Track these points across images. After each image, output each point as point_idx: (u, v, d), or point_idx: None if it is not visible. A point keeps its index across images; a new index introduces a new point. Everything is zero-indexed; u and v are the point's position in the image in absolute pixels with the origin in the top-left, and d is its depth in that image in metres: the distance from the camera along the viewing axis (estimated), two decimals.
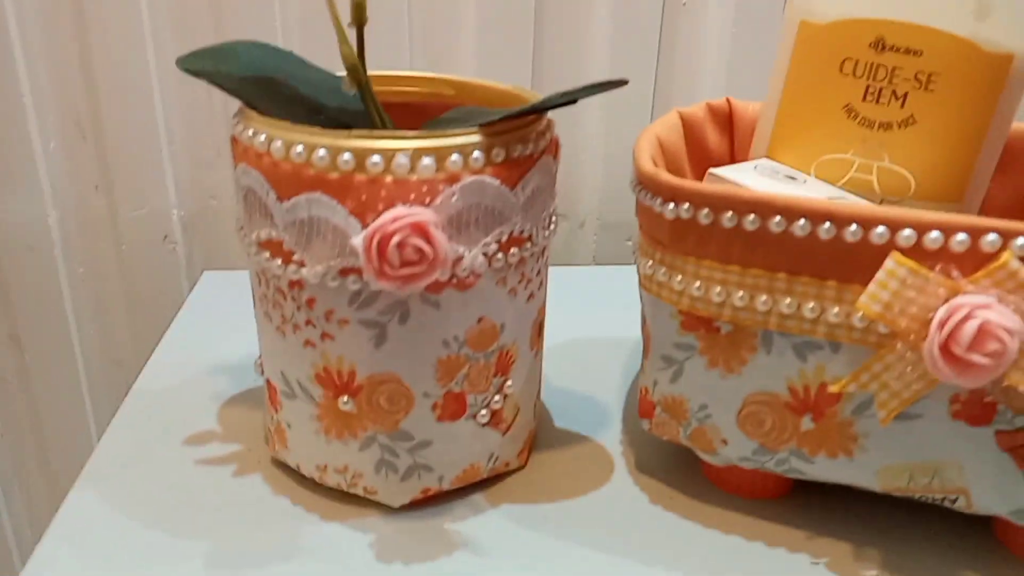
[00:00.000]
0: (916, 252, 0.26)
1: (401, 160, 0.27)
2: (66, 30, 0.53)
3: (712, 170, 0.33)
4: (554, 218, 0.33)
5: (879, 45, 0.31)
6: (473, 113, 0.32)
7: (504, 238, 0.29)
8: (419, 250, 0.26)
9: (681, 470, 0.36)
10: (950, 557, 0.31)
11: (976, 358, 0.25)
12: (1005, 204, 0.37)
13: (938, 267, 0.26)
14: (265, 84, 0.32)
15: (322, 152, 0.27)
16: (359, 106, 0.32)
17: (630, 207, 0.63)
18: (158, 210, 0.58)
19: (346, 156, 0.27)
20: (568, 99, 0.29)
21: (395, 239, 0.26)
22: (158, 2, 0.53)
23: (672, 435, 0.33)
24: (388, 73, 0.37)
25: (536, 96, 0.34)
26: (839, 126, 0.33)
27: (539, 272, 0.33)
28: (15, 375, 0.62)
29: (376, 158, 0.27)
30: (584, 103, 0.57)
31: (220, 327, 0.46)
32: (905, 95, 0.31)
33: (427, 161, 0.27)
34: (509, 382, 0.33)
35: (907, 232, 0.26)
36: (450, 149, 0.27)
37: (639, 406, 0.35)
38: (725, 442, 0.32)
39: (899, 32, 0.31)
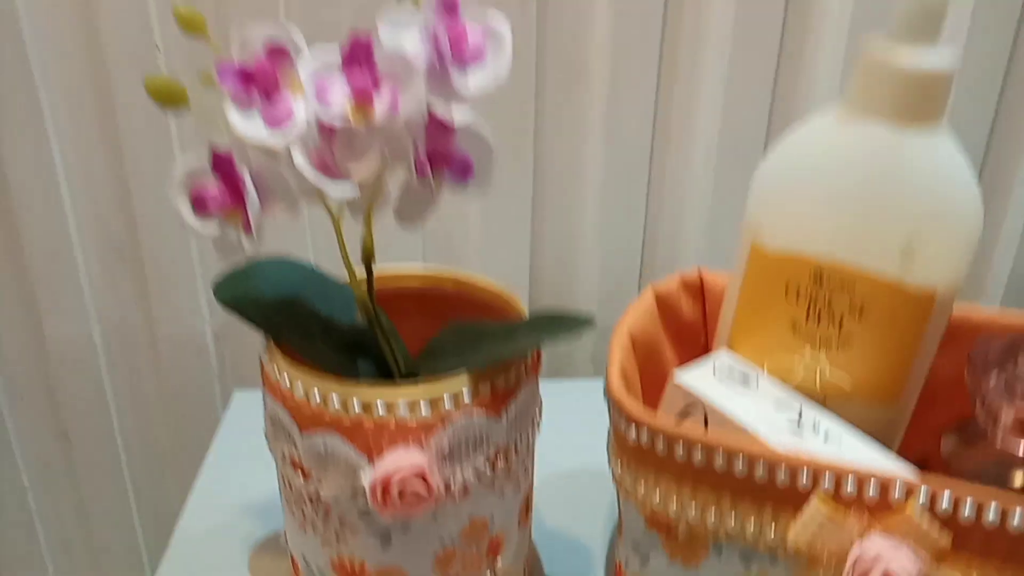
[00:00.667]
0: (836, 496, 0.31)
1: (401, 408, 0.32)
2: (105, 167, 0.58)
3: (676, 375, 0.38)
4: (539, 416, 0.38)
5: (818, 279, 0.36)
6: (467, 335, 0.37)
7: (491, 455, 0.34)
8: (417, 492, 0.31)
9: None
10: None
11: None
12: (949, 376, 0.41)
13: (852, 510, 0.30)
14: (288, 307, 0.37)
15: (335, 400, 0.32)
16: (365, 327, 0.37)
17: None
18: (191, 325, 0.64)
19: (356, 404, 0.32)
20: (536, 342, 0.34)
21: (396, 484, 0.31)
22: (190, 143, 0.58)
23: None
24: (397, 271, 0.42)
25: (522, 308, 0.39)
26: (786, 336, 0.37)
27: (525, 466, 0.38)
28: (63, 465, 0.68)
29: (381, 406, 0.32)
30: (582, 210, 0.62)
31: (251, 459, 0.52)
32: (841, 321, 0.36)
33: (423, 407, 0.32)
34: (499, 561, 0.38)
35: (826, 476, 0.31)
36: (441, 396, 0.32)
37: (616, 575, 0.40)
38: None
39: (834, 271, 0.35)
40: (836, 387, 0.37)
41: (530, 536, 0.42)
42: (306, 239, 0.60)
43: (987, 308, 0.41)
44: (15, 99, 0.55)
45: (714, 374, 0.38)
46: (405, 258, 0.50)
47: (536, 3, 0.55)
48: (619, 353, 0.38)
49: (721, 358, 0.40)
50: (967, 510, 0.29)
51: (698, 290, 0.46)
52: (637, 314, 0.42)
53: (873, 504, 0.30)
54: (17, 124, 0.55)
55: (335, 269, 0.38)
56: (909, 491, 0.30)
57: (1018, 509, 0.29)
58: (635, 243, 0.64)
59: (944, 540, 0.30)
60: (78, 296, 0.61)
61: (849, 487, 0.30)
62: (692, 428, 0.33)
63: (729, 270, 0.41)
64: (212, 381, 0.65)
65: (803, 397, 0.37)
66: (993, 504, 0.29)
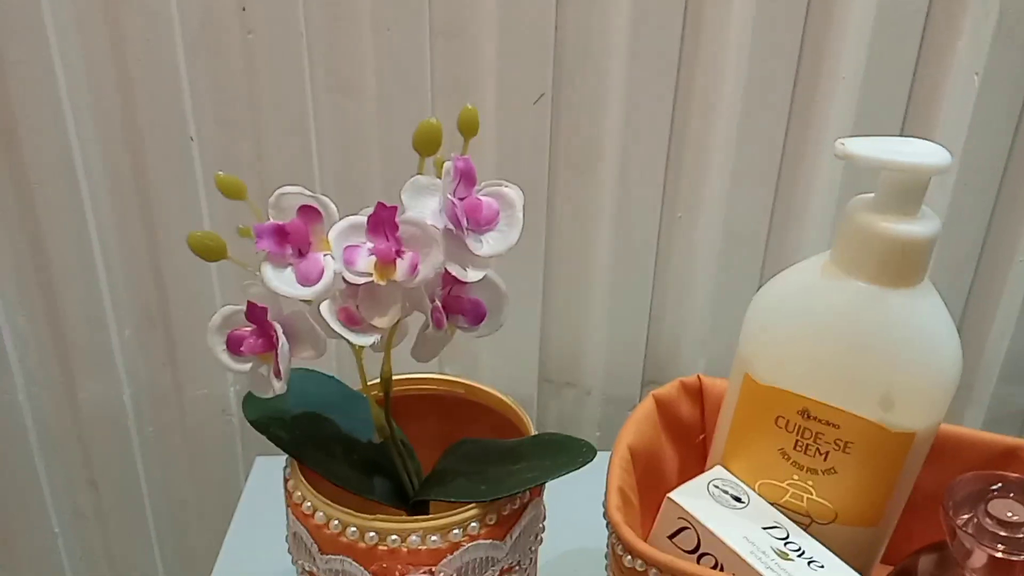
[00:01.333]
0: None
1: (414, 539, 0.35)
2: (138, 242, 0.62)
3: (671, 495, 0.40)
4: (543, 530, 0.41)
5: (805, 414, 0.38)
6: (474, 456, 0.40)
7: (497, 574, 0.37)
8: None
9: None
10: None
11: None
12: (931, 489, 0.44)
13: None
14: (311, 425, 0.40)
15: (353, 530, 0.35)
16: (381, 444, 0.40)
17: (635, 381, 0.70)
18: (217, 388, 0.67)
19: (371, 535, 0.35)
20: (545, 478, 0.37)
21: None
22: (217, 212, 0.60)
23: None
24: (413, 376, 0.45)
25: (528, 423, 0.41)
26: (775, 461, 0.40)
27: (528, 573, 0.41)
28: (94, 514, 0.72)
29: (395, 537, 0.35)
30: (590, 283, 0.65)
31: (270, 528, 0.55)
32: (827, 453, 0.38)
33: (434, 538, 0.35)
34: None
35: None
36: (452, 526, 0.35)
37: None
38: None
39: (820, 409, 0.38)
40: (822, 508, 0.40)
41: None
42: (330, 351, 0.63)
43: (968, 430, 0.44)
44: (57, 183, 0.58)
45: (709, 494, 0.41)
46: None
47: (551, 98, 0.57)
48: (618, 472, 0.41)
49: (715, 476, 0.42)
50: None
51: (697, 393, 0.48)
52: (637, 424, 0.44)
53: None
54: (58, 204, 0.59)
55: (356, 378, 0.41)
56: None
57: None
58: (640, 338, 0.66)
59: None
60: (110, 359, 0.65)
61: None
62: (684, 562, 0.36)
63: (727, 375, 0.44)
64: (235, 441, 0.69)
65: (790, 518, 0.40)
66: None
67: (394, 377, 0.40)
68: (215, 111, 0.57)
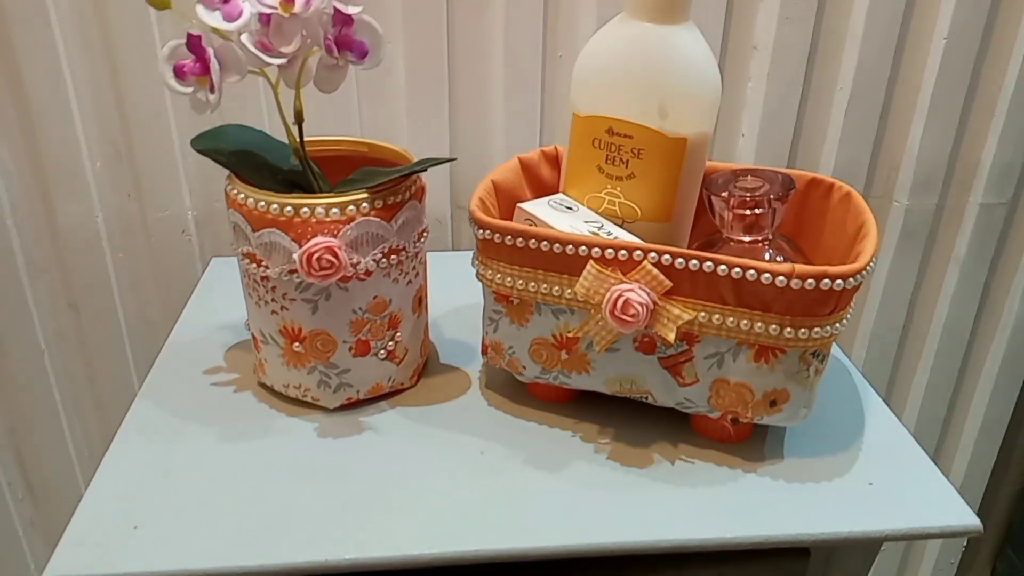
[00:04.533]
0: (602, 260, 0.47)
1: (320, 210, 0.48)
2: (106, 82, 0.73)
3: (520, 204, 0.54)
4: (425, 234, 0.54)
5: (610, 132, 0.52)
6: (371, 173, 0.53)
7: (385, 250, 0.51)
8: (330, 261, 0.48)
9: (511, 385, 0.58)
10: (656, 433, 0.53)
11: (625, 318, 0.46)
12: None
13: (612, 268, 0.47)
14: (245, 155, 0.53)
15: (275, 206, 0.48)
16: (300, 169, 0.52)
17: None
18: (177, 212, 0.79)
19: (289, 208, 0.48)
20: (413, 170, 0.50)
21: (316, 255, 0.47)
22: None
23: (498, 364, 0.55)
24: (325, 137, 0.58)
25: (412, 159, 0.54)
26: (596, 177, 0.54)
27: (414, 267, 0.54)
28: (73, 332, 0.84)
29: (306, 209, 0.48)
30: (490, 90, 0.78)
31: (224, 299, 0.68)
32: (627, 161, 0.52)
33: (335, 211, 0.48)
34: (398, 333, 0.54)
35: (596, 250, 0.47)
36: (348, 203, 0.48)
37: (481, 347, 0.56)
38: (524, 367, 0.53)
39: (619, 124, 0.51)
40: (629, 209, 0.53)
41: (426, 328, 0.58)
42: (263, 115, 0.75)
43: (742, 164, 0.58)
44: (32, 28, 0.69)
45: (548, 204, 0.55)
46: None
47: None
48: (480, 190, 0.54)
49: (554, 197, 0.56)
50: (679, 262, 0.46)
51: (555, 160, 0.62)
52: (502, 171, 0.58)
53: (624, 262, 0.47)
54: (34, 48, 0.70)
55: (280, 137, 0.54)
56: (644, 253, 0.46)
57: (706, 261, 0.45)
58: (535, 114, 0.79)
59: (666, 283, 0.46)
60: (84, 188, 0.76)
61: (608, 253, 0.47)
62: (518, 224, 0.50)
63: None
64: (194, 256, 0.81)
65: (607, 219, 0.54)
66: (693, 260, 0.46)
67: (310, 138, 0.52)
68: None
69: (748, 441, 0.53)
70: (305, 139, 0.52)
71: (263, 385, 0.57)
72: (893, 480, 0.50)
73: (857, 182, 0.84)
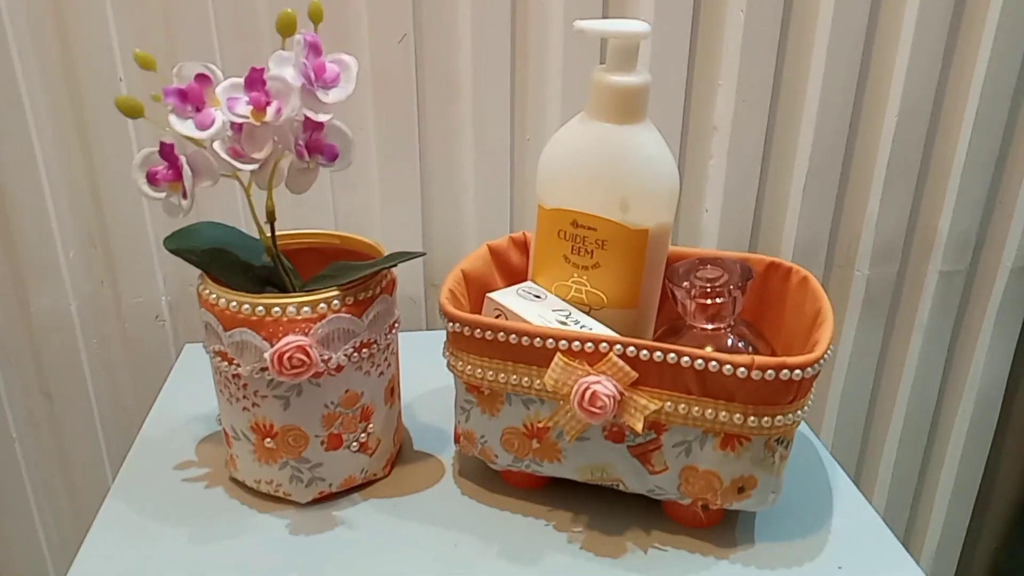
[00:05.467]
0: (569, 352, 0.48)
1: (291, 309, 0.49)
2: (80, 172, 0.74)
3: (489, 295, 0.55)
4: (396, 325, 0.55)
5: (575, 224, 0.53)
6: (343, 268, 0.54)
7: (357, 345, 0.51)
8: (301, 360, 0.48)
9: (485, 472, 0.58)
10: (629, 520, 0.53)
11: (593, 409, 0.47)
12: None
13: (579, 360, 0.48)
14: (218, 253, 0.54)
15: (246, 306, 0.49)
16: (272, 266, 0.53)
17: None
18: (151, 298, 0.79)
19: (260, 308, 0.49)
20: (384, 266, 0.51)
21: (287, 354, 0.48)
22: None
23: (471, 452, 0.55)
24: (298, 231, 0.59)
25: (383, 251, 0.56)
26: (562, 266, 0.55)
27: (386, 359, 0.55)
28: (46, 421, 0.83)
29: (277, 308, 0.49)
30: (461, 184, 0.79)
31: (197, 388, 0.68)
32: (592, 251, 0.54)
33: (306, 309, 0.49)
34: (371, 425, 0.55)
35: (563, 343, 0.48)
36: (319, 301, 0.49)
37: (454, 435, 0.56)
38: (497, 456, 0.54)
39: (583, 218, 0.53)
40: (595, 297, 0.55)
41: (399, 416, 0.59)
42: (238, 211, 0.76)
43: (705, 249, 0.60)
44: (9, 120, 0.70)
45: (517, 294, 0.56)
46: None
47: (414, 39, 0.73)
48: (450, 281, 0.55)
49: (523, 285, 0.57)
50: (644, 354, 0.47)
51: (523, 246, 0.63)
52: (471, 260, 0.59)
53: (590, 354, 0.48)
54: (9, 138, 0.71)
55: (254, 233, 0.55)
56: (610, 345, 0.47)
57: (670, 353, 0.46)
58: (505, 196, 0.81)
59: (632, 374, 0.47)
60: (57, 275, 0.77)
61: (575, 345, 0.48)
62: (488, 318, 0.51)
63: None
64: (168, 342, 0.81)
65: (575, 307, 0.55)
66: (657, 352, 0.47)
67: (283, 232, 0.54)
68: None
69: (720, 526, 0.53)
70: (278, 234, 0.53)
71: (235, 480, 0.57)
72: (863, 564, 0.50)
73: (819, 252, 0.86)
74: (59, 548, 0.88)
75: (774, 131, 0.81)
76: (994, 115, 0.81)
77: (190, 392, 0.68)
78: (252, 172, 0.49)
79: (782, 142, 0.82)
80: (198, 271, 0.53)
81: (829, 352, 0.48)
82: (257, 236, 0.55)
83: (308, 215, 0.75)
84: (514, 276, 0.62)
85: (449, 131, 0.77)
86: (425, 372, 0.64)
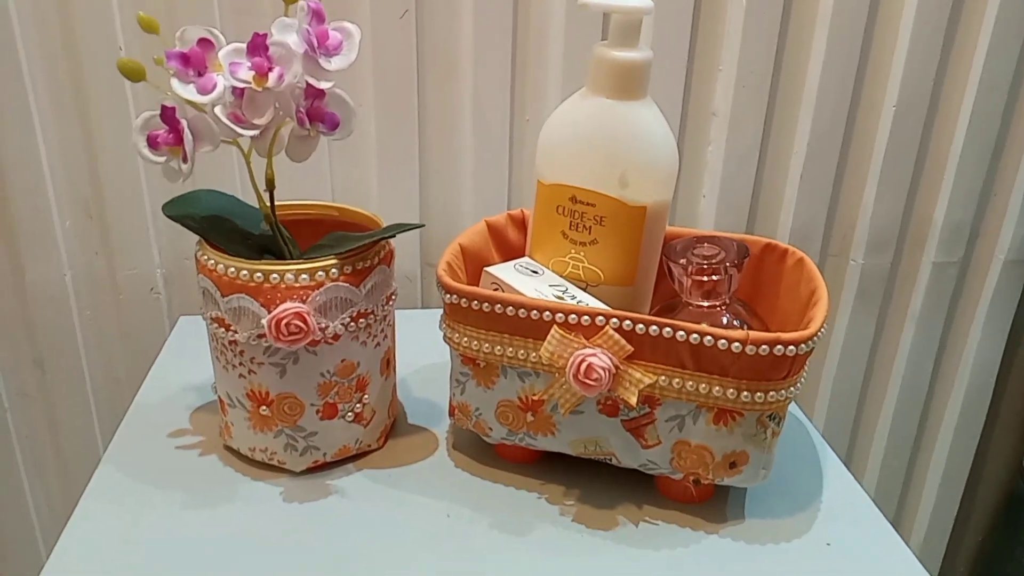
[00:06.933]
0: (566, 325, 0.48)
1: (289, 276, 0.49)
2: (77, 142, 0.74)
3: (486, 268, 0.55)
4: (393, 297, 0.55)
5: (573, 199, 0.54)
6: (341, 238, 0.54)
7: (354, 314, 0.51)
8: (299, 327, 0.48)
9: (478, 446, 0.58)
10: (621, 495, 0.54)
11: (588, 382, 0.47)
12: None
13: (575, 333, 0.48)
14: (217, 221, 0.54)
15: (244, 272, 0.49)
16: (271, 234, 0.53)
17: None
18: (146, 270, 0.79)
19: (258, 274, 0.49)
20: (382, 236, 0.51)
21: (285, 321, 0.48)
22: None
23: (465, 426, 0.56)
24: (297, 201, 0.59)
25: (382, 223, 0.56)
26: (560, 242, 0.55)
27: (383, 330, 0.55)
28: (37, 391, 0.83)
29: (275, 275, 0.49)
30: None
31: (191, 359, 0.68)
32: (590, 227, 0.54)
33: (304, 277, 0.49)
34: (366, 396, 0.55)
35: (560, 315, 0.48)
36: (317, 269, 0.49)
37: (448, 409, 0.57)
38: (491, 429, 0.54)
39: (582, 193, 0.53)
40: (592, 273, 0.55)
41: (394, 389, 0.59)
42: (236, 181, 0.76)
43: (702, 230, 0.60)
44: (7, 89, 0.70)
45: (514, 268, 0.56)
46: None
47: (415, 15, 0.72)
48: (448, 254, 0.55)
49: (520, 260, 0.57)
50: (640, 328, 0.47)
51: (521, 223, 0.63)
52: (469, 234, 0.59)
53: (587, 327, 0.48)
54: (6, 107, 0.71)
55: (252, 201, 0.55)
56: (607, 318, 0.48)
57: (665, 327, 0.47)
58: (503, 176, 0.81)
59: (628, 347, 0.47)
60: (53, 245, 0.76)
61: (572, 318, 0.48)
62: (485, 290, 0.51)
63: None
64: (162, 314, 0.81)
65: (571, 283, 0.55)
66: (653, 326, 0.47)
67: (281, 202, 0.54)
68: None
69: (711, 502, 0.53)
70: (276, 204, 0.53)
71: (229, 448, 0.57)
72: (851, 541, 0.51)
73: (814, 241, 0.86)
74: (48, 519, 0.88)
75: (773, 118, 0.82)
76: (991, 107, 0.82)
77: (184, 363, 0.68)
78: (252, 138, 0.49)
79: (780, 130, 0.82)
80: (194, 244, 0.53)
81: (823, 331, 0.48)
82: (255, 205, 0.55)
83: (305, 187, 0.75)
84: (511, 253, 0.62)
85: (448, 108, 0.77)
86: (421, 349, 0.64)
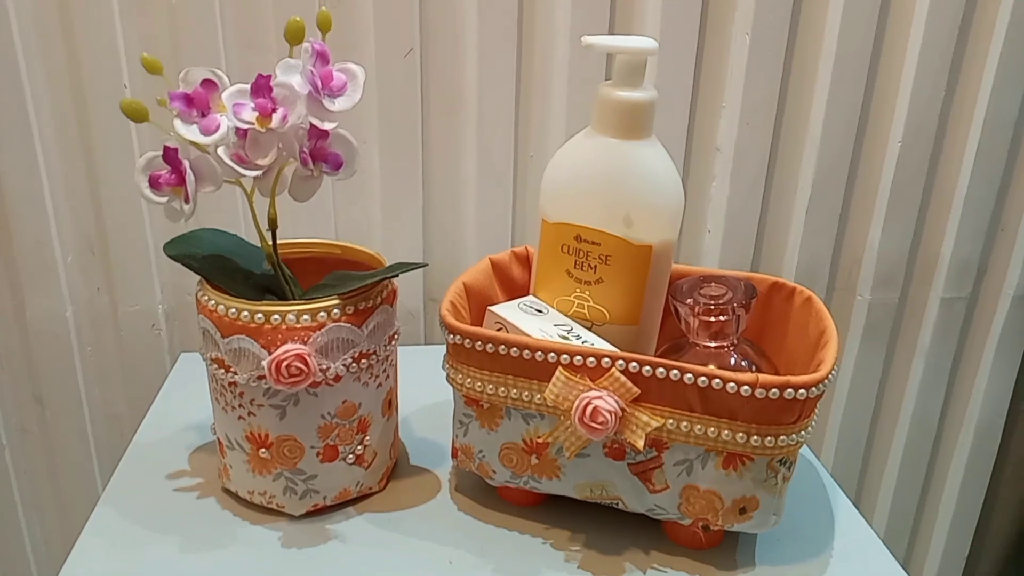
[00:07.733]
0: (571, 366, 0.47)
1: (290, 317, 0.48)
2: (81, 178, 0.74)
3: (490, 308, 0.54)
4: (396, 336, 0.55)
5: (578, 238, 0.53)
6: (343, 278, 0.53)
7: (356, 355, 0.51)
8: (299, 368, 0.48)
9: (481, 488, 0.57)
10: (628, 540, 0.53)
11: (594, 425, 0.46)
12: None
13: (580, 375, 0.47)
14: (218, 260, 0.53)
15: (245, 313, 0.48)
16: (272, 273, 0.53)
17: None
18: (147, 306, 0.79)
19: (259, 315, 0.48)
20: (385, 276, 0.51)
21: (285, 362, 0.47)
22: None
23: (468, 468, 0.55)
24: (300, 240, 0.59)
25: (385, 262, 0.55)
26: (565, 281, 0.55)
27: (385, 370, 0.54)
28: (37, 427, 0.82)
29: (276, 316, 0.48)
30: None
31: (191, 398, 0.67)
32: (595, 266, 0.53)
33: (305, 317, 0.48)
34: (367, 438, 0.54)
35: (565, 357, 0.47)
36: (319, 309, 0.49)
37: (451, 450, 0.56)
38: (494, 472, 0.53)
39: (587, 232, 0.53)
40: (598, 312, 0.54)
41: (396, 430, 0.58)
42: (239, 220, 0.76)
43: (707, 268, 0.59)
44: (12, 124, 0.70)
45: (519, 307, 0.55)
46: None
47: (420, 54, 0.73)
48: (452, 293, 0.55)
49: (525, 299, 0.57)
50: (647, 370, 0.46)
51: (525, 260, 0.63)
52: (474, 272, 0.59)
53: (592, 369, 0.47)
54: (11, 141, 0.71)
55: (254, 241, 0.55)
56: (613, 360, 0.47)
57: (672, 370, 0.46)
58: (507, 212, 0.80)
59: (634, 390, 0.47)
60: (55, 280, 0.76)
61: (577, 360, 0.47)
62: (488, 330, 0.50)
63: None
64: (163, 351, 0.80)
65: (576, 322, 0.54)
66: (660, 368, 0.46)
67: (284, 241, 0.53)
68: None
69: (720, 548, 0.52)
70: (279, 242, 0.53)
71: (227, 491, 0.56)
72: None
73: (820, 276, 0.86)
74: (45, 558, 0.87)
75: (777, 154, 0.81)
76: (997, 142, 0.82)
77: (184, 402, 0.67)
78: (255, 179, 0.48)
79: (785, 165, 0.82)
80: (196, 280, 0.53)
81: (834, 373, 0.47)
82: (257, 244, 0.54)
83: (308, 224, 0.75)
84: (516, 291, 0.62)
85: (452, 145, 0.77)
86: (423, 387, 0.63)
